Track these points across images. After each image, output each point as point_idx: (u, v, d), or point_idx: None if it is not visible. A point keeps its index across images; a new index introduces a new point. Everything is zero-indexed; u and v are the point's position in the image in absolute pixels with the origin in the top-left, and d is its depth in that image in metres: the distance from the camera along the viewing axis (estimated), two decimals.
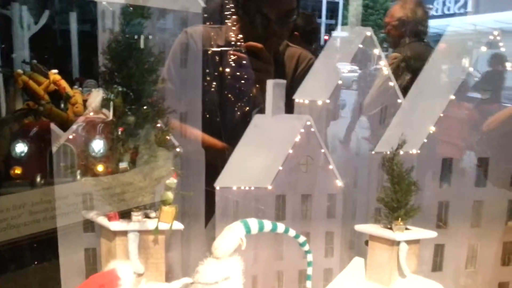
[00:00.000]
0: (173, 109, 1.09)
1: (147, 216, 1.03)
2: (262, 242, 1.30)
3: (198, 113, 1.46)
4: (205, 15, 1.49)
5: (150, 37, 1.05)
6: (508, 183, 1.45)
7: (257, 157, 1.33)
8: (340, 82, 1.45)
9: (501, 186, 1.44)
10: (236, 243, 0.97)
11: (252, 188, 1.29)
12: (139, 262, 1.00)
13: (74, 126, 1.18)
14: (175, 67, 1.47)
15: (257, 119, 1.38)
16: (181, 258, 1.37)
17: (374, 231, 1.15)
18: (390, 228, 1.13)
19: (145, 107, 1.01)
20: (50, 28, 2.20)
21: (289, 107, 1.43)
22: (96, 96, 1.00)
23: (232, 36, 1.60)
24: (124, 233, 1.00)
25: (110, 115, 1.00)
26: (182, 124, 1.44)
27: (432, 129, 1.38)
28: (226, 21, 1.64)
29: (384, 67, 1.46)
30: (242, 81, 1.59)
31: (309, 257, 1.16)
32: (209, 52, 1.55)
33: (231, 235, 0.97)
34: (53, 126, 1.23)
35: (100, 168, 1.00)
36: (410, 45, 2.39)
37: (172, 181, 1.02)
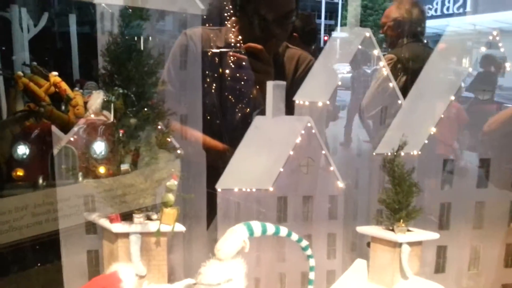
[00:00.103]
0: (174, 111, 1.09)
1: (148, 218, 1.03)
2: (265, 244, 1.30)
3: (199, 115, 1.46)
4: (204, 17, 1.49)
5: (150, 39, 1.05)
6: (510, 184, 1.45)
7: (258, 159, 1.32)
8: (339, 83, 1.45)
9: (503, 187, 1.44)
10: (239, 245, 0.97)
11: (254, 190, 1.29)
12: (141, 264, 1.00)
13: (75, 128, 1.19)
14: (175, 69, 1.46)
15: (257, 120, 1.38)
16: (183, 260, 1.36)
17: (376, 232, 1.15)
18: (392, 230, 1.13)
19: (145, 109, 1.01)
20: (50, 30, 2.19)
21: (290, 108, 1.43)
22: (97, 98, 1.00)
23: (232, 38, 1.60)
24: (126, 235, 1.00)
25: (110, 117, 1.00)
26: (182, 126, 1.44)
27: (433, 130, 1.38)
28: (225, 22, 1.64)
29: (384, 68, 1.46)
30: (242, 83, 1.59)
31: (312, 262, 1.15)
32: (209, 53, 1.55)
33: (234, 237, 0.97)
34: (54, 128, 1.23)
35: (101, 170, 1.00)
36: (408, 46, 2.38)
37: (173, 183, 1.02)
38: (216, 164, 1.41)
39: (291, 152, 1.30)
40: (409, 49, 2.30)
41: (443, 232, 1.35)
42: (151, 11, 1.05)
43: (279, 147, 1.33)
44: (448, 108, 1.39)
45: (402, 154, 1.16)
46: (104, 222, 1.01)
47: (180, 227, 1.03)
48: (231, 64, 1.56)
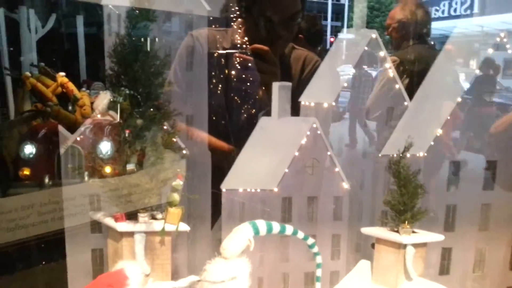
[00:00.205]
0: (179, 111, 1.10)
1: (153, 217, 1.04)
2: (268, 244, 1.30)
3: (204, 115, 1.46)
4: (211, 18, 1.50)
5: (156, 40, 1.05)
6: None
7: (263, 160, 1.33)
8: (345, 84, 1.45)
9: (509, 189, 1.43)
10: (245, 244, 0.97)
11: (258, 190, 1.29)
12: (145, 263, 1.01)
13: (81, 128, 1.19)
14: (181, 70, 1.47)
15: (263, 121, 1.38)
16: (187, 260, 1.37)
17: (381, 234, 1.15)
18: (397, 231, 1.13)
19: (151, 110, 1.02)
20: (57, 31, 2.21)
21: (295, 109, 1.43)
22: (103, 98, 1.01)
23: (238, 39, 1.60)
24: (131, 234, 1.00)
25: (117, 117, 1.01)
26: (188, 126, 1.44)
27: (439, 131, 1.38)
28: (231, 23, 1.64)
29: (390, 69, 1.46)
30: (248, 84, 1.59)
31: (318, 259, 1.16)
32: (215, 54, 1.55)
33: (239, 236, 0.97)
34: (61, 128, 1.24)
35: (107, 169, 1.01)
36: (413, 48, 2.35)
37: (178, 182, 1.02)
38: (221, 165, 1.41)
39: (296, 153, 1.30)
40: (414, 51, 2.27)
41: (448, 234, 1.34)
42: (157, 12, 1.05)
43: (284, 148, 1.33)
44: (454, 110, 1.38)
45: (408, 155, 1.16)
46: (109, 221, 1.02)
47: (184, 227, 1.04)
48: (237, 65, 1.57)
